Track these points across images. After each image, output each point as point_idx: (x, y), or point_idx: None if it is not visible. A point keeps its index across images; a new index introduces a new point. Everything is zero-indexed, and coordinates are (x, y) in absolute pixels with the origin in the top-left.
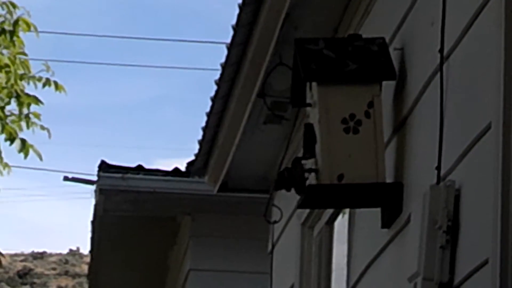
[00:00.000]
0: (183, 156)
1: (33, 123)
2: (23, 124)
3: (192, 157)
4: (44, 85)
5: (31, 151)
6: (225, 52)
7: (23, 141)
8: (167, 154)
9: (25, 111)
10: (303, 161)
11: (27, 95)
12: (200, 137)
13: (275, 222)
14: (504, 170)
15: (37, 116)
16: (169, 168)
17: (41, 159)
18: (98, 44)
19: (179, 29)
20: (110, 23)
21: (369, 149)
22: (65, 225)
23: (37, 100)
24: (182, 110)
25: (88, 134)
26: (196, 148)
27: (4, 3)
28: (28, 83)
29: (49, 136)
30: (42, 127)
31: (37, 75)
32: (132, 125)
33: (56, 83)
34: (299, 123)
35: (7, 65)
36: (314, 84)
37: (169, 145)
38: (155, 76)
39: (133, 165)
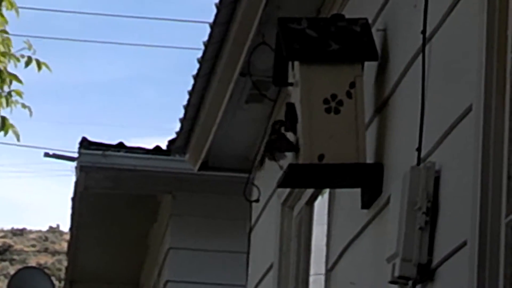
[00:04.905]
0: (160, 135)
1: (15, 101)
2: (4, 101)
3: (172, 136)
4: (26, 64)
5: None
6: (207, 31)
7: (4, 120)
8: (145, 133)
9: (6, 88)
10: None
11: (9, 73)
12: (181, 115)
13: (255, 201)
14: (484, 152)
15: (20, 94)
16: (150, 146)
17: (18, 139)
18: (78, 21)
19: (159, 8)
20: (91, 0)
21: (350, 129)
22: (45, 202)
23: (18, 79)
24: (160, 89)
25: (68, 111)
26: (175, 127)
27: None
28: (9, 61)
29: (30, 114)
30: (24, 105)
31: (18, 53)
32: (112, 103)
33: (38, 62)
34: (281, 103)
35: None
36: (296, 63)
37: (147, 124)
38: (134, 55)
39: (114, 142)
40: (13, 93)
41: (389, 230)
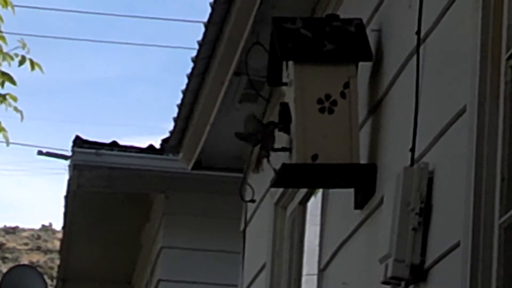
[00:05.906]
0: (153, 134)
1: (8, 104)
2: None
3: (165, 135)
4: (20, 64)
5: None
6: (201, 30)
7: None
8: (139, 132)
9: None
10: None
11: (2, 73)
12: (175, 114)
13: (251, 201)
14: (478, 153)
15: (14, 98)
16: (143, 145)
17: (8, 145)
18: (71, 19)
19: (153, 7)
20: None
21: (343, 129)
22: (37, 200)
23: (11, 80)
24: (154, 88)
25: (61, 109)
26: (168, 126)
27: None
28: (3, 60)
29: (22, 119)
30: (16, 109)
31: (12, 52)
32: (105, 101)
33: (31, 62)
34: (275, 103)
35: None
36: (290, 63)
37: (141, 123)
38: (128, 53)
39: (108, 141)
40: (7, 97)
41: (382, 230)
